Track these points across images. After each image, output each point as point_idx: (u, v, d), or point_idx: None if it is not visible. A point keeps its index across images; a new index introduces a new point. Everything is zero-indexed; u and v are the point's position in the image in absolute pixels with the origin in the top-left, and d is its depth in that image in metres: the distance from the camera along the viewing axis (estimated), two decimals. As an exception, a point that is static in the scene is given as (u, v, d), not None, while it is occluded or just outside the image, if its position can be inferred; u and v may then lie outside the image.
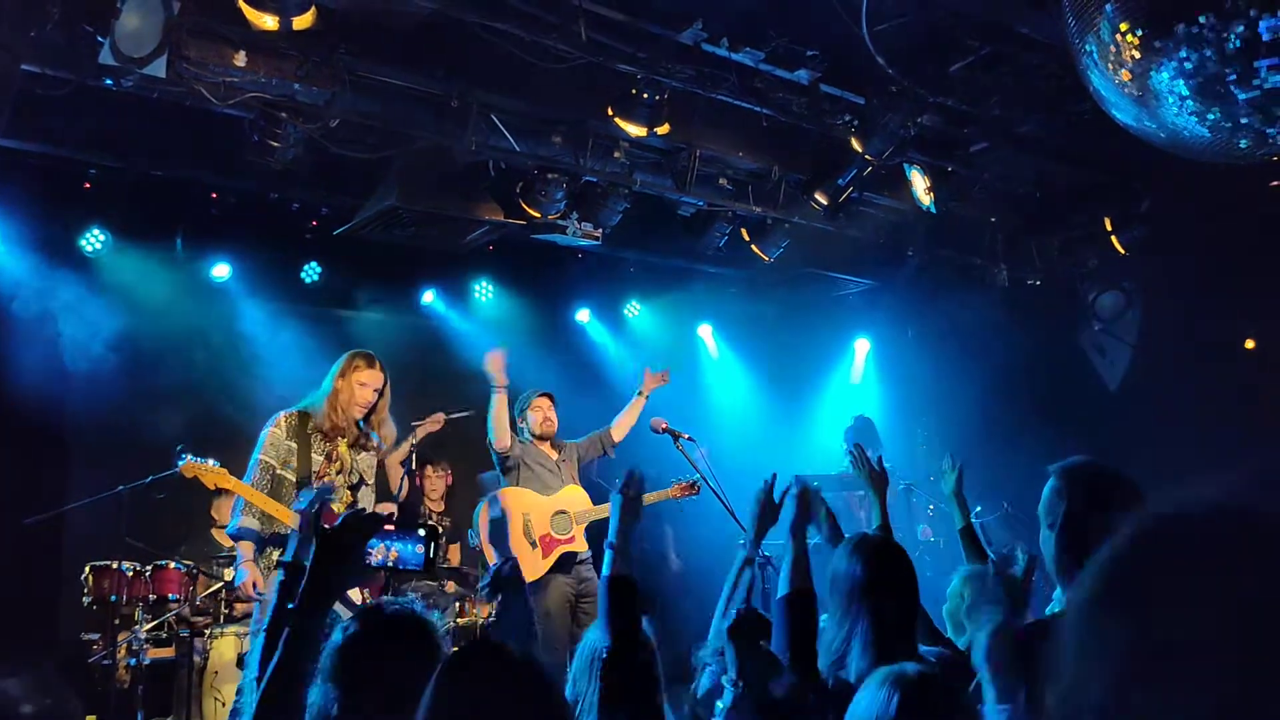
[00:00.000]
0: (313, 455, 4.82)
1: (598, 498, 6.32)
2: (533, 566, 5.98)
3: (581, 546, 6.12)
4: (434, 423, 7.13)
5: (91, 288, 6.87)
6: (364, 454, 4.99)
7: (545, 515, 6.06)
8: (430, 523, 2.23)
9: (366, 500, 5.02)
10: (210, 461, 4.75)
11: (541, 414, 6.30)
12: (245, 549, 4.66)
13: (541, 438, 6.29)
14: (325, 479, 4.81)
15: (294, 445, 4.80)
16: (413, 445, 6.95)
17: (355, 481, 4.95)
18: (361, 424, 4.96)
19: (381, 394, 5.00)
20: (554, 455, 6.33)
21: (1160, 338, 8.00)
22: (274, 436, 4.80)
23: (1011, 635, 2.21)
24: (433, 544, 2.17)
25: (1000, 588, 2.75)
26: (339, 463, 4.88)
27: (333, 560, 1.95)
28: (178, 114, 5.41)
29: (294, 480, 4.76)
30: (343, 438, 4.90)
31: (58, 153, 6.07)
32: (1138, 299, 8.15)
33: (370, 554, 2.10)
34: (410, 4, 4.92)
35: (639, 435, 6.48)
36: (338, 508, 4.82)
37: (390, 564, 2.15)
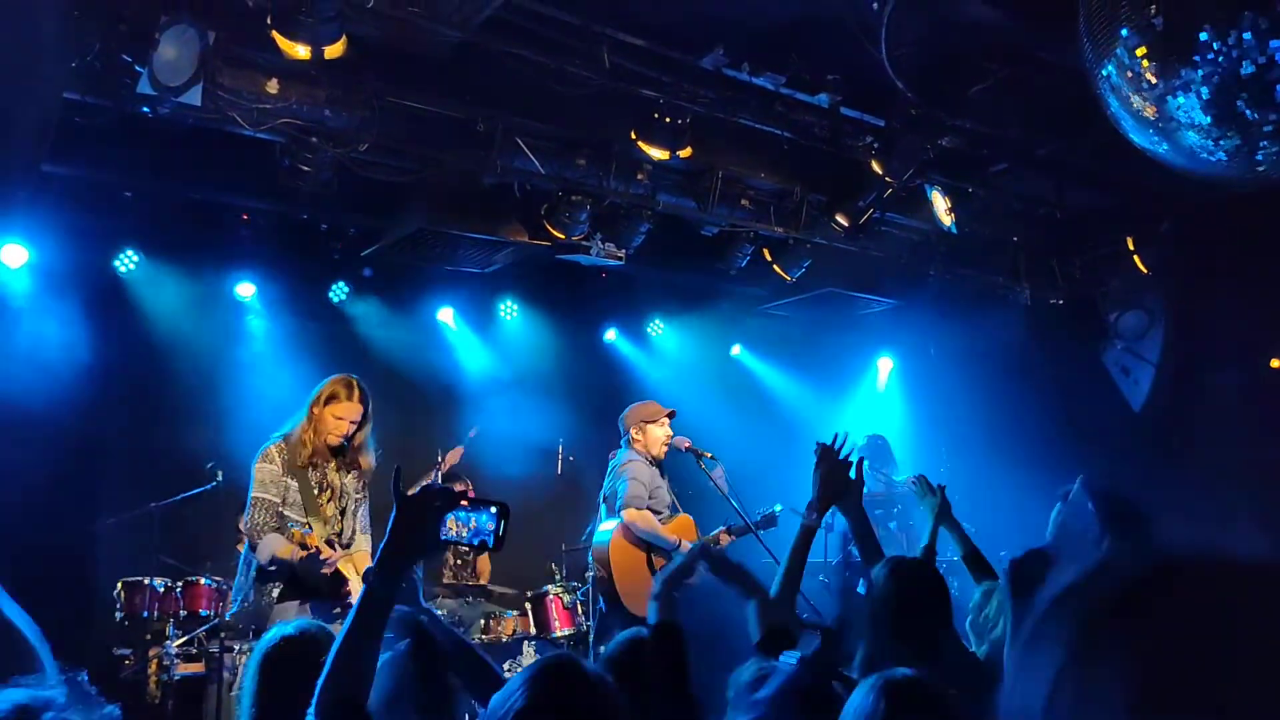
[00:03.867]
0: (310, 488, 4.69)
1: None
2: None
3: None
4: (454, 455, 7.28)
5: (124, 307, 7.01)
6: (350, 475, 4.85)
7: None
8: (502, 500, 2.22)
9: (352, 523, 4.84)
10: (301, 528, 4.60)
11: (666, 433, 6.12)
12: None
13: (656, 461, 6.16)
14: (321, 508, 4.70)
15: (291, 482, 4.66)
16: (437, 473, 7.06)
17: (344, 506, 4.82)
18: (346, 444, 4.80)
19: (360, 424, 4.79)
20: (663, 480, 6.19)
21: (1184, 357, 7.97)
22: (269, 473, 4.66)
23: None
24: (503, 522, 2.20)
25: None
26: (329, 490, 4.76)
27: (408, 531, 2.00)
28: (211, 138, 5.53)
29: (303, 521, 4.62)
30: (329, 463, 4.78)
31: (93, 176, 6.21)
32: (1160, 318, 8.13)
33: (444, 527, 2.14)
34: (438, 32, 5.02)
35: (673, 457, 6.41)
36: (323, 550, 4.58)
37: (461, 539, 2.19)
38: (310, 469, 4.73)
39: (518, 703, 1.75)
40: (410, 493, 2.06)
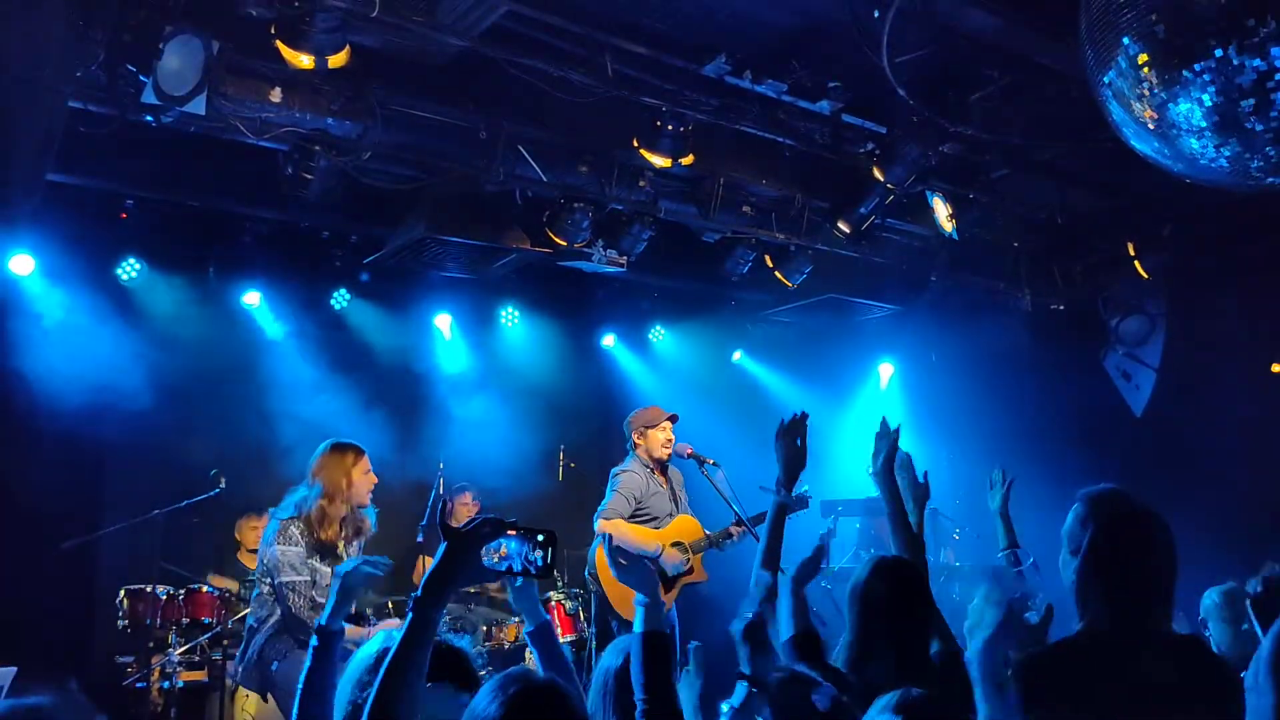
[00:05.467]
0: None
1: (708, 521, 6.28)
2: None
3: (702, 576, 6.05)
4: (461, 505, 7.32)
5: (127, 315, 7.01)
6: (354, 544, 4.85)
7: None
8: (549, 528, 2.23)
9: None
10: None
11: (666, 436, 6.11)
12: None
13: (659, 464, 6.16)
14: None
15: (322, 566, 4.61)
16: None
17: None
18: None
19: None
20: (665, 482, 6.18)
21: (1185, 362, 7.98)
22: (296, 556, 4.58)
23: (1004, 651, 2.27)
24: (550, 549, 2.19)
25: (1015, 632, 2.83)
26: (341, 559, 4.72)
27: (456, 558, 2.04)
28: (213, 147, 5.54)
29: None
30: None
31: (96, 185, 6.22)
32: (1161, 323, 8.14)
33: (490, 554, 2.14)
34: (441, 41, 5.04)
35: (678, 461, 6.39)
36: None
37: (508, 566, 2.18)
38: (332, 546, 4.68)
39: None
40: (459, 525, 2.09)
